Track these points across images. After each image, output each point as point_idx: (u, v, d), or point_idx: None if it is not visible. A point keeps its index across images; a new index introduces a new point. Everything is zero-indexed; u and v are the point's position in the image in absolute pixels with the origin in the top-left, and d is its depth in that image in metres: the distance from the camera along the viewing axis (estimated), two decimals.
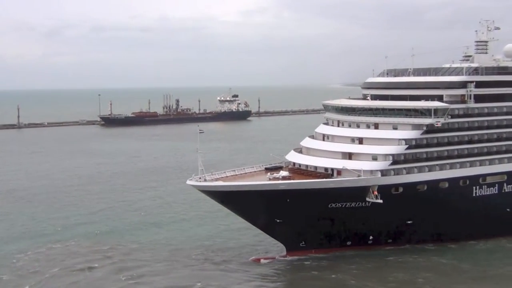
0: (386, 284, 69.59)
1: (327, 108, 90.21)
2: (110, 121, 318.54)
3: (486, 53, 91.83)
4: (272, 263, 77.59)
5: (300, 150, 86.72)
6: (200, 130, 78.58)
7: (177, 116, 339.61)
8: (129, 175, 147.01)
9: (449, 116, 79.94)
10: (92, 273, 73.52)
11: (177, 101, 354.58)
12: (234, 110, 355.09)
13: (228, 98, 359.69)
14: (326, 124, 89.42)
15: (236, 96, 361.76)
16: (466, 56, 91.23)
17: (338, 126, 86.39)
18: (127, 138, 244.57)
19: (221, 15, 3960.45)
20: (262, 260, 77.92)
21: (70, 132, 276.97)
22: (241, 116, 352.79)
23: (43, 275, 72.66)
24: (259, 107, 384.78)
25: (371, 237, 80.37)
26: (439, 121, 78.66)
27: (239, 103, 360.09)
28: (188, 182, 76.14)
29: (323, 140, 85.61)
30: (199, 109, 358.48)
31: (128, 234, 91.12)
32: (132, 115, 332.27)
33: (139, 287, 68.92)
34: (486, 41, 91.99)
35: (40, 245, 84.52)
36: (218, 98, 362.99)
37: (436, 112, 78.74)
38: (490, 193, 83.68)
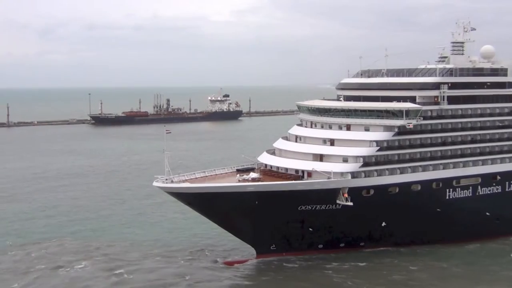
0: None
1: (301, 109, 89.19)
2: (100, 121, 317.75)
3: (462, 54, 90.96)
4: (242, 266, 76.33)
5: (273, 152, 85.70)
6: (167, 130, 77.93)
7: (167, 116, 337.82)
8: (117, 173, 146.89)
9: (422, 118, 78.95)
10: (79, 271, 73.40)
11: (168, 100, 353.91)
12: (225, 110, 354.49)
13: (219, 98, 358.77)
14: (300, 125, 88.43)
15: (227, 96, 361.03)
16: (442, 57, 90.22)
17: (311, 127, 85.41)
18: (117, 138, 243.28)
19: (213, 14, 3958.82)
20: (235, 264, 76.76)
21: (60, 131, 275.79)
22: (232, 116, 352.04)
23: (31, 274, 72.50)
24: (250, 107, 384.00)
25: (343, 240, 79.36)
26: (411, 123, 77.61)
27: (230, 103, 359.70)
28: (155, 183, 75.01)
29: (296, 141, 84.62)
30: (190, 109, 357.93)
31: (116, 232, 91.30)
32: (123, 115, 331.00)
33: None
34: (462, 42, 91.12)
35: (25, 244, 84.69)
36: (209, 98, 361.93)
37: (408, 113, 77.72)
38: (464, 196, 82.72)
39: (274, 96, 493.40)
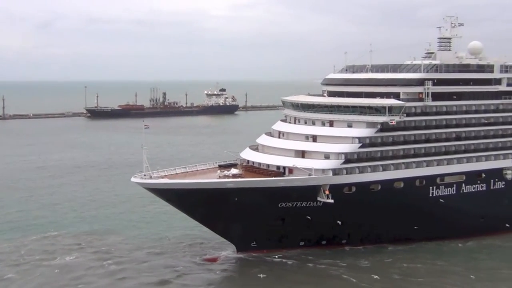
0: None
1: (285, 105, 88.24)
2: (96, 114, 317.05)
3: (449, 50, 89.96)
4: (222, 263, 75.64)
5: (256, 147, 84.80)
6: (145, 125, 76.92)
7: (164, 110, 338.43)
8: (110, 167, 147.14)
9: (405, 114, 77.91)
10: (70, 263, 74.17)
11: (164, 94, 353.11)
12: (221, 104, 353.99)
13: (215, 92, 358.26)
14: (284, 120, 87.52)
15: (223, 90, 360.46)
16: (428, 53, 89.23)
17: (295, 123, 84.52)
18: (112, 131, 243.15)
19: (211, 9, 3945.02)
20: (215, 261, 75.96)
21: (55, 124, 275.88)
22: (228, 110, 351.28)
23: (22, 265, 73.17)
24: (246, 101, 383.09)
25: (324, 238, 78.56)
26: (394, 119, 76.61)
27: (227, 97, 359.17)
28: (133, 179, 74.05)
29: (279, 137, 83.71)
30: (186, 103, 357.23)
31: (109, 226, 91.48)
32: (119, 108, 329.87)
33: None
34: (450, 38, 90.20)
35: (18, 237, 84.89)
36: (206, 92, 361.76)
37: (391, 110, 76.70)
38: (448, 193, 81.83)
39: (271, 90, 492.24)
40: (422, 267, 73.55)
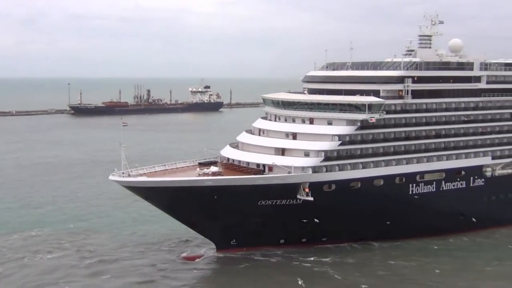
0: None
1: (266, 102, 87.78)
2: (79, 111, 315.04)
3: (430, 47, 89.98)
4: (201, 261, 75.17)
5: (236, 145, 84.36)
6: (123, 123, 76.23)
7: (148, 107, 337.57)
8: (94, 164, 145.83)
9: (385, 112, 77.89)
10: (50, 260, 73.97)
11: (148, 91, 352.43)
12: (205, 101, 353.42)
13: (200, 89, 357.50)
14: (265, 118, 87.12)
15: (208, 87, 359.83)
16: (409, 51, 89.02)
17: (275, 120, 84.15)
18: (96, 128, 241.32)
19: (195, 6, 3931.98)
20: (196, 259, 75.47)
21: (38, 121, 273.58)
22: (213, 107, 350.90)
23: (5, 264, 72.83)
24: (230, 98, 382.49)
25: (304, 235, 78.38)
26: (374, 117, 76.53)
27: (211, 94, 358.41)
28: (111, 177, 73.34)
29: (259, 134, 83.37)
30: (171, 100, 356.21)
31: (90, 224, 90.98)
32: (103, 105, 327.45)
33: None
34: (430, 36, 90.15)
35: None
36: (190, 89, 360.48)
37: (371, 107, 76.58)
38: (428, 191, 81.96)
39: (256, 87, 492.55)
40: (407, 264, 73.61)
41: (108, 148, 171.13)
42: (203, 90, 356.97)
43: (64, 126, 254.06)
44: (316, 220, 75.30)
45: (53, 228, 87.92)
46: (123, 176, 73.04)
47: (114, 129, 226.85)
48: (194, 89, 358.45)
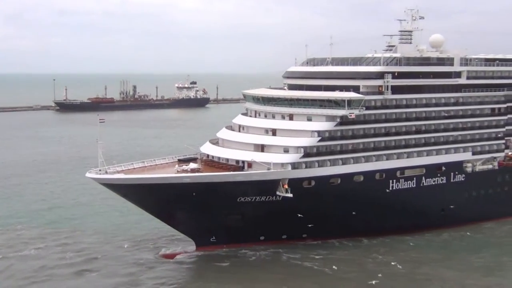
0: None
1: (246, 98, 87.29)
2: (65, 107, 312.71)
3: (410, 43, 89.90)
4: (181, 259, 74.52)
5: (216, 141, 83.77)
6: (100, 119, 75.41)
7: (134, 103, 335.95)
8: (80, 161, 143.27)
9: (364, 108, 77.58)
10: (34, 258, 73.72)
11: (134, 87, 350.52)
12: (192, 97, 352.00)
13: (186, 85, 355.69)
14: (245, 114, 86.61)
15: (194, 83, 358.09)
16: (389, 46, 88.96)
17: (256, 116, 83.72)
18: (81, 124, 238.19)
19: (182, 1, 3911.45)
20: (176, 256, 74.83)
21: (23, 117, 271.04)
22: (199, 103, 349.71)
23: None
24: (217, 94, 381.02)
25: (284, 232, 78.01)
26: (353, 113, 76.18)
27: (197, 90, 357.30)
28: (88, 174, 72.68)
29: (239, 131, 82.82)
30: (157, 96, 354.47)
31: (75, 220, 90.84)
32: (88, 101, 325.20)
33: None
34: (411, 31, 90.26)
35: None
36: (176, 85, 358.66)
37: (350, 103, 76.26)
38: (408, 187, 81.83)
39: (242, 83, 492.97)
40: (396, 259, 73.81)
41: (94, 144, 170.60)
42: (190, 86, 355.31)
43: (49, 123, 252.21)
44: (296, 216, 74.83)
45: (36, 224, 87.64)
46: (100, 173, 72.28)
47: (100, 125, 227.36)
48: (180, 85, 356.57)
